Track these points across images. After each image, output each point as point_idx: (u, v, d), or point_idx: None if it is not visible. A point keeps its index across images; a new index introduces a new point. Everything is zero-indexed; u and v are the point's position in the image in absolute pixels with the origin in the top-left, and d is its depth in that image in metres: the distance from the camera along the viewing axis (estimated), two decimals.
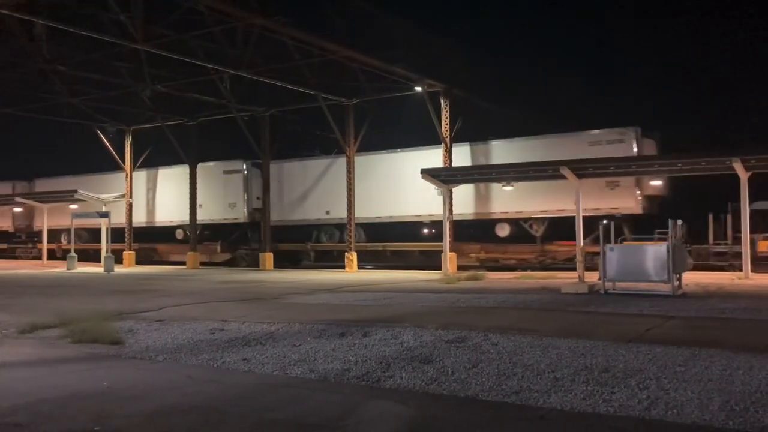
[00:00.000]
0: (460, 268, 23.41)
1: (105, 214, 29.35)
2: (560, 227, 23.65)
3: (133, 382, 6.55)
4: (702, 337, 8.49)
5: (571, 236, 20.46)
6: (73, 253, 29.44)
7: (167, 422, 5.26)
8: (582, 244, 19.06)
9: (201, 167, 30.76)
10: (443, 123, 24.79)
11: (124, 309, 12.54)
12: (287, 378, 6.74)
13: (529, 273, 21.35)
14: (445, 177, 23.28)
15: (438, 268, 22.97)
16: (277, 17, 19.81)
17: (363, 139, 26.85)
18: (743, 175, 18.46)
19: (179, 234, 32.83)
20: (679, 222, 14.65)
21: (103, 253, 28.39)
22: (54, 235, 36.10)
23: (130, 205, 32.85)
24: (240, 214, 30.77)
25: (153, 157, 33.25)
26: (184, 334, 9.49)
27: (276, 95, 26.90)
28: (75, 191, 31.14)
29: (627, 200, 22.73)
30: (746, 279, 17.81)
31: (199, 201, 30.56)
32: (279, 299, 14.69)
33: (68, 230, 34.75)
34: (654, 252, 14.02)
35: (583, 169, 19.98)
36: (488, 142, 25.88)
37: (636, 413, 5.24)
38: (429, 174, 22.76)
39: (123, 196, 32.93)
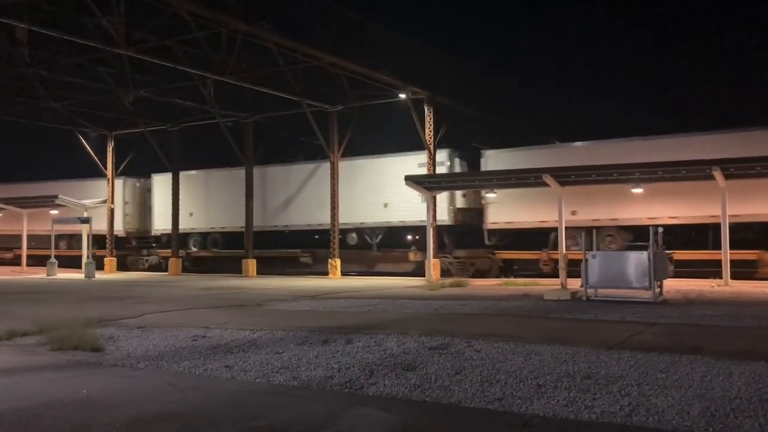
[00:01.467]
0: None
1: (86, 220, 29.06)
2: None
3: (114, 390, 6.47)
4: (683, 343, 8.57)
5: None
6: (53, 259, 29.09)
7: (148, 430, 5.21)
8: (565, 250, 19.15)
9: (386, 161, 27.06)
10: (427, 130, 24.87)
11: (105, 316, 12.42)
12: (270, 385, 6.70)
13: (512, 280, 21.42)
14: (428, 184, 23.33)
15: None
16: (261, 23, 19.78)
17: (347, 144, 26.84)
18: (722, 183, 18.71)
19: (352, 239, 28.71)
20: (660, 229, 14.77)
21: (84, 259, 28.08)
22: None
23: (111, 211, 32.38)
24: (442, 215, 25.54)
25: (134, 163, 32.96)
26: (165, 341, 9.41)
27: (260, 101, 26.85)
28: (56, 196, 30.61)
29: None
30: (726, 286, 18.02)
31: (384, 200, 26.66)
32: (262, 306, 14.63)
33: (197, 235, 32.33)
34: (636, 259, 14.13)
35: (565, 176, 20.10)
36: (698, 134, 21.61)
37: (618, 419, 5.28)
38: (413, 181, 22.77)
39: (100, 201, 32.49)
